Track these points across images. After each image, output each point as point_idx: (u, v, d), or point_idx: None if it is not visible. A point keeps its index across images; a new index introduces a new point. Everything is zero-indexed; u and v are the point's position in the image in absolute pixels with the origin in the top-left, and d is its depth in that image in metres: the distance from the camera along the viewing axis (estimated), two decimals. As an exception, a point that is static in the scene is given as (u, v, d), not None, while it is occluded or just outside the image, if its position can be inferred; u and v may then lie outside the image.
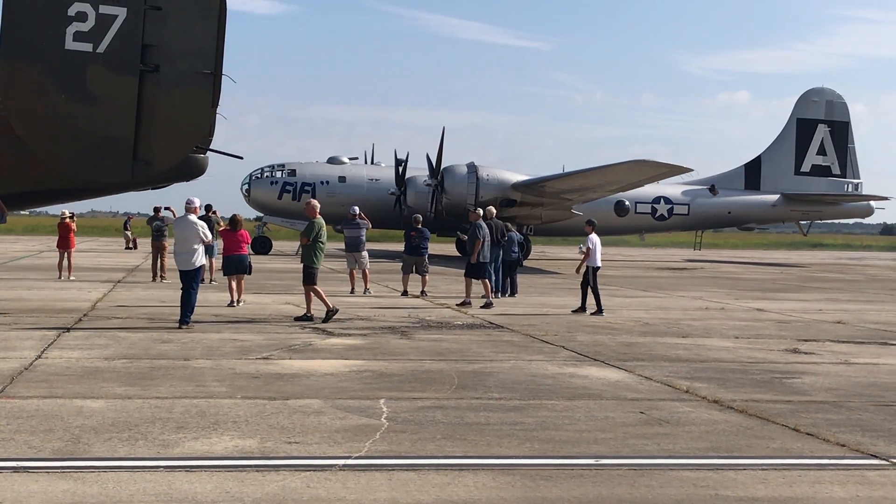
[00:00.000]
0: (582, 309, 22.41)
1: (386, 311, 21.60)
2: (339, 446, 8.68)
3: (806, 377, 13.44)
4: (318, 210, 20.03)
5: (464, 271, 24.80)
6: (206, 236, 18.24)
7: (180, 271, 18.24)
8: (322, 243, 19.80)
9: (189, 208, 18.51)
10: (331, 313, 19.00)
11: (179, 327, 17.40)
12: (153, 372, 12.52)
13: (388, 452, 8.51)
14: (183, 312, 17.71)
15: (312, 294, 19.61)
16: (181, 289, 17.97)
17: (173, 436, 8.93)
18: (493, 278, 25.81)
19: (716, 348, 16.40)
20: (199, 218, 29.60)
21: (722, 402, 11.35)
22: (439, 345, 15.96)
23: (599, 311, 22.04)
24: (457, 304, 23.17)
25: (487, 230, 24.53)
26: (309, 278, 19.59)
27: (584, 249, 22.84)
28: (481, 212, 25.76)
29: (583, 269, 22.76)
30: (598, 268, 22.86)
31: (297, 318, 19.24)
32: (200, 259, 18.23)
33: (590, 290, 22.59)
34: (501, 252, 26.45)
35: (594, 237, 23.04)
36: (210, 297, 23.52)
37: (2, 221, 17.53)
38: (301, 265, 20.03)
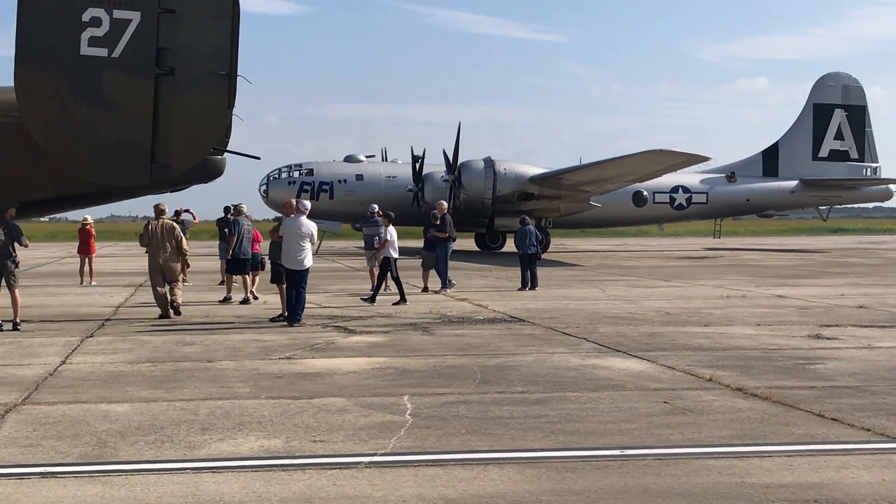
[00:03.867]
0: (371, 300, 22.64)
1: (407, 307, 21.63)
2: (365, 443, 8.70)
3: (829, 362, 13.40)
4: (294, 210, 20.04)
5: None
6: (314, 237, 18.84)
7: (287, 270, 18.77)
8: None
9: (301, 209, 19.00)
10: (283, 318, 18.84)
11: (290, 325, 18.10)
12: (177, 374, 12.58)
13: (413, 448, 8.53)
14: (292, 311, 18.41)
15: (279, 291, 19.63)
16: (287, 288, 18.72)
17: (199, 437, 8.97)
18: (446, 272, 26.31)
19: (738, 336, 16.37)
20: (219, 220, 30.02)
21: (745, 389, 11.33)
22: (461, 340, 15.97)
23: (402, 300, 22.64)
24: (219, 301, 23.36)
25: (248, 226, 24.17)
26: (277, 276, 19.61)
27: (382, 241, 23.66)
28: (244, 208, 25.61)
29: (380, 258, 23.63)
30: (396, 258, 23.54)
31: (273, 319, 19.01)
32: (309, 260, 18.76)
33: (390, 279, 23.49)
34: (449, 246, 26.56)
35: (391, 229, 23.95)
36: (233, 298, 23.57)
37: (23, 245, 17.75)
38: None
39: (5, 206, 17.39)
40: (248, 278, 23.69)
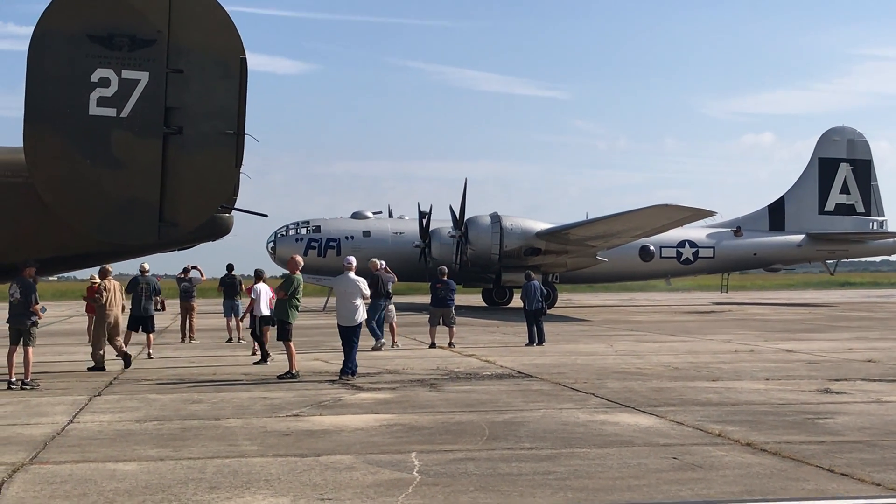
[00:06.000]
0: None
1: (414, 363, 21.60)
2: (373, 501, 8.67)
3: (838, 417, 13.36)
4: (300, 266, 20.10)
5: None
6: (366, 293, 19.35)
7: (341, 327, 19.14)
8: (298, 300, 19.87)
9: (348, 266, 19.59)
10: (290, 375, 18.92)
11: (339, 378, 18.57)
12: (185, 433, 12.55)
13: (421, 506, 8.49)
14: (346, 365, 18.93)
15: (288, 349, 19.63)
16: (344, 345, 19.14)
17: (206, 496, 8.94)
18: (377, 331, 26.04)
19: (747, 391, 16.32)
20: (223, 279, 30.17)
21: (755, 444, 11.29)
22: (469, 396, 15.93)
23: (264, 360, 22.33)
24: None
25: (145, 285, 24.16)
26: (283, 334, 19.62)
27: (250, 301, 23.41)
28: (146, 266, 25.44)
29: (247, 319, 23.36)
30: (265, 316, 22.95)
31: (281, 377, 18.97)
32: (361, 315, 19.31)
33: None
34: (387, 303, 26.50)
35: (259, 286, 23.59)
36: (239, 355, 23.58)
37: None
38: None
39: (24, 265, 17.54)
40: (152, 337, 24.34)
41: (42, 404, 15.50)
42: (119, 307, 21.84)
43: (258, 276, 24.65)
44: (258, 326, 22.93)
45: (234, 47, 16.29)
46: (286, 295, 19.59)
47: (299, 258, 20.51)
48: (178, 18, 16.00)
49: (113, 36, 15.81)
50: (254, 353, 22.76)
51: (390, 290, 26.97)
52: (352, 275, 19.31)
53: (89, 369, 20.80)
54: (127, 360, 21.24)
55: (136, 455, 11.06)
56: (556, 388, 16.98)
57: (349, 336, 19.01)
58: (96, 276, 32.43)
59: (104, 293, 21.44)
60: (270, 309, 22.66)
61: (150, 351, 24.14)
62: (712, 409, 14.25)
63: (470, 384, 17.58)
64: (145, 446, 11.61)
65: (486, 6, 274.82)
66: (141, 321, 23.90)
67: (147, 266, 24.99)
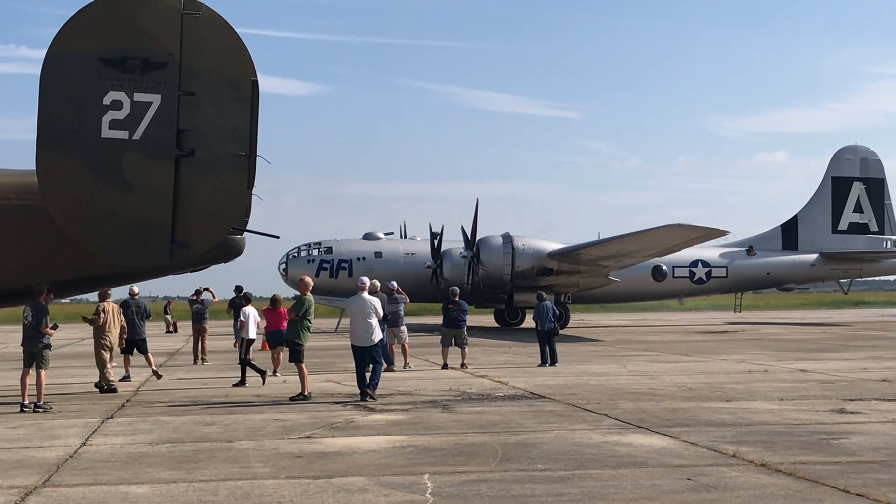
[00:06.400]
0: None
1: (427, 384, 21.55)
2: (385, 523, 8.63)
3: (853, 437, 13.28)
4: (310, 287, 20.10)
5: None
6: (380, 313, 19.34)
7: (355, 347, 19.01)
8: (309, 321, 19.88)
9: (361, 287, 19.56)
10: (302, 397, 18.94)
11: (364, 400, 18.38)
12: (197, 455, 12.54)
13: (434, 528, 8.46)
14: (362, 386, 18.68)
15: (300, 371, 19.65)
16: (358, 367, 18.91)
17: (219, 518, 8.91)
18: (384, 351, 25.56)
19: (761, 411, 16.24)
20: (232, 301, 30.22)
21: (770, 465, 11.23)
22: (481, 417, 15.88)
23: (242, 382, 22.35)
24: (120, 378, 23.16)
25: (135, 308, 24.35)
26: (296, 356, 19.67)
27: (240, 323, 23.73)
28: (136, 290, 25.48)
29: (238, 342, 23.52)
30: (252, 340, 23.21)
31: (293, 398, 19.00)
32: (378, 334, 19.13)
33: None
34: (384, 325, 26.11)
35: (247, 309, 23.88)
36: (250, 376, 23.54)
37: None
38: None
39: (40, 289, 17.59)
40: (150, 356, 24.41)
41: (54, 427, 15.50)
42: (118, 329, 22.39)
43: (247, 299, 24.79)
44: (245, 349, 22.98)
45: (245, 69, 16.34)
46: (298, 316, 19.60)
47: (309, 279, 20.51)
48: (189, 41, 16.07)
49: (125, 59, 15.88)
50: (243, 382, 22.50)
51: (400, 311, 26.79)
52: (366, 294, 19.28)
53: (101, 391, 20.82)
54: (102, 387, 21.26)
55: (148, 477, 11.05)
56: (568, 408, 16.92)
57: (372, 356, 18.90)
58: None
59: (102, 315, 21.89)
60: (258, 332, 22.89)
61: (155, 368, 24.11)
62: (726, 429, 14.19)
63: (482, 405, 17.54)
64: (158, 469, 11.60)
65: (498, 27, 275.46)
66: (134, 344, 24.04)
67: (136, 289, 25.07)
